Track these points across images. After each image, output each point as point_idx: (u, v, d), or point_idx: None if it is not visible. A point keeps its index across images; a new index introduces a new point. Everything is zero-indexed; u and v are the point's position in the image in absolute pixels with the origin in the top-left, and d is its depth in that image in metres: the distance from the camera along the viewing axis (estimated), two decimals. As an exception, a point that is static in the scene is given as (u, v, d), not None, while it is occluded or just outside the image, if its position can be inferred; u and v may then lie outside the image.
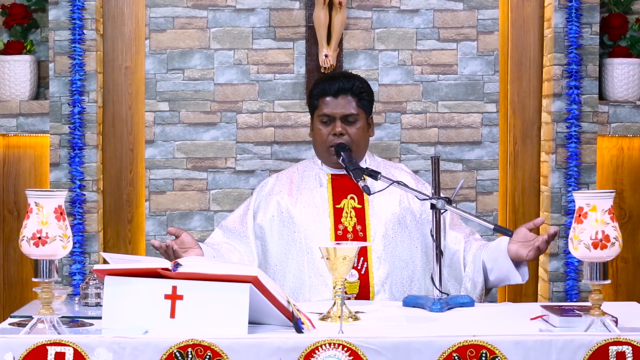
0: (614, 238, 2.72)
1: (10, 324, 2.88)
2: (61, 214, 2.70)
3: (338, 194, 3.60)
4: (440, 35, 4.44)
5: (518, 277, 3.41)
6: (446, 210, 3.22)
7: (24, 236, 2.68)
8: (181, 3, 4.41)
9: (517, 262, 3.39)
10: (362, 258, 3.49)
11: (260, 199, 3.65)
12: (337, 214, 3.56)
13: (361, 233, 3.54)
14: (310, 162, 3.72)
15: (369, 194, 3.31)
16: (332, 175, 3.63)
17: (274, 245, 3.58)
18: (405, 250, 3.56)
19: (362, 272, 3.50)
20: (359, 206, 3.58)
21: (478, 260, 3.49)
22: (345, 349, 2.57)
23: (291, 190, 3.63)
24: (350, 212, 3.57)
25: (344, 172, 3.59)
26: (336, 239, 3.51)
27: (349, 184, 3.58)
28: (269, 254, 3.58)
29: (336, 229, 3.54)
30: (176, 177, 4.43)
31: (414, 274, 3.56)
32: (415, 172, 4.27)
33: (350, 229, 3.55)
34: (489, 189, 4.45)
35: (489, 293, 3.56)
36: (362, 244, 3.08)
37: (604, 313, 2.71)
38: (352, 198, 3.59)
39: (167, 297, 2.70)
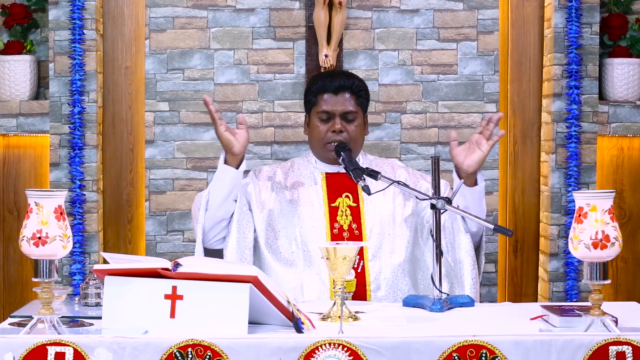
0: (614, 238, 2.72)
1: (10, 324, 2.88)
2: (61, 214, 2.70)
3: (333, 192, 3.60)
4: (440, 35, 4.43)
5: (471, 190, 3.46)
6: (446, 210, 3.22)
7: (24, 236, 2.68)
8: (181, 3, 4.41)
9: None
10: (358, 256, 3.50)
11: (257, 184, 3.64)
12: (333, 212, 3.56)
13: (357, 231, 3.54)
14: (304, 160, 3.72)
15: (369, 194, 3.31)
16: (326, 173, 3.63)
17: (262, 235, 3.58)
18: (402, 247, 3.56)
19: (359, 271, 3.50)
20: (354, 204, 3.58)
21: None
22: (345, 349, 2.57)
23: (286, 188, 3.63)
24: (346, 210, 3.58)
25: (338, 170, 3.60)
26: (332, 238, 3.52)
27: (344, 182, 3.59)
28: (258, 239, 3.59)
29: (332, 227, 3.54)
30: (176, 177, 4.43)
31: (412, 271, 3.55)
32: (415, 172, 4.28)
33: (345, 227, 3.55)
34: (489, 189, 4.44)
35: (480, 251, 3.58)
36: (362, 243, 3.09)
37: (604, 313, 2.71)
38: (347, 196, 3.59)
39: (167, 297, 2.70)
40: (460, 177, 3.48)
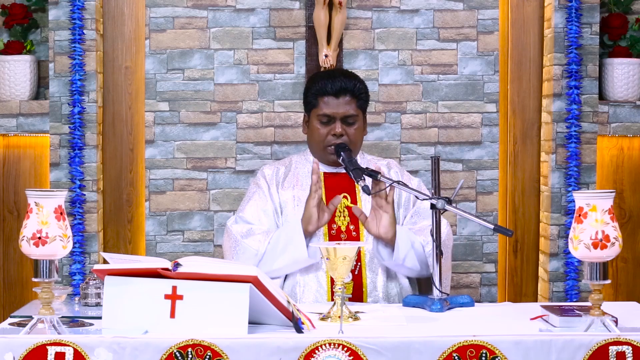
0: (614, 238, 2.72)
1: (10, 324, 2.88)
2: (61, 214, 2.70)
3: (331, 193, 3.59)
4: (440, 35, 4.43)
5: (392, 254, 3.40)
6: (446, 210, 3.22)
7: (24, 236, 2.68)
8: (181, 3, 4.41)
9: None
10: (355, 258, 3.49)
11: (270, 186, 3.63)
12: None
13: (354, 233, 3.53)
14: (302, 158, 3.71)
15: (369, 194, 3.30)
16: (324, 173, 3.62)
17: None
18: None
19: (356, 273, 3.49)
20: (352, 205, 3.57)
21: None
22: (345, 349, 2.57)
23: (284, 187, 3.62)
24: (344, 211, 3.57)
25: (337, 170, 3.59)
26: (330, 239, 3.51)
27: (342, 182, 3.58)
28: None
29: (330, 228, 3.53)
30: (176, 177, 4.43)
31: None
32: (416, 172, 4.28)
33: (343, 228, 3.54)
34: (489, 189, 4.45)
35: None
36: (361, 244, 3.08)
37: (604, 313, 2.71)
38: (345, 197, 3.58)
39: (167, 297, 2.70)
40: (389, 242, 3.45)
